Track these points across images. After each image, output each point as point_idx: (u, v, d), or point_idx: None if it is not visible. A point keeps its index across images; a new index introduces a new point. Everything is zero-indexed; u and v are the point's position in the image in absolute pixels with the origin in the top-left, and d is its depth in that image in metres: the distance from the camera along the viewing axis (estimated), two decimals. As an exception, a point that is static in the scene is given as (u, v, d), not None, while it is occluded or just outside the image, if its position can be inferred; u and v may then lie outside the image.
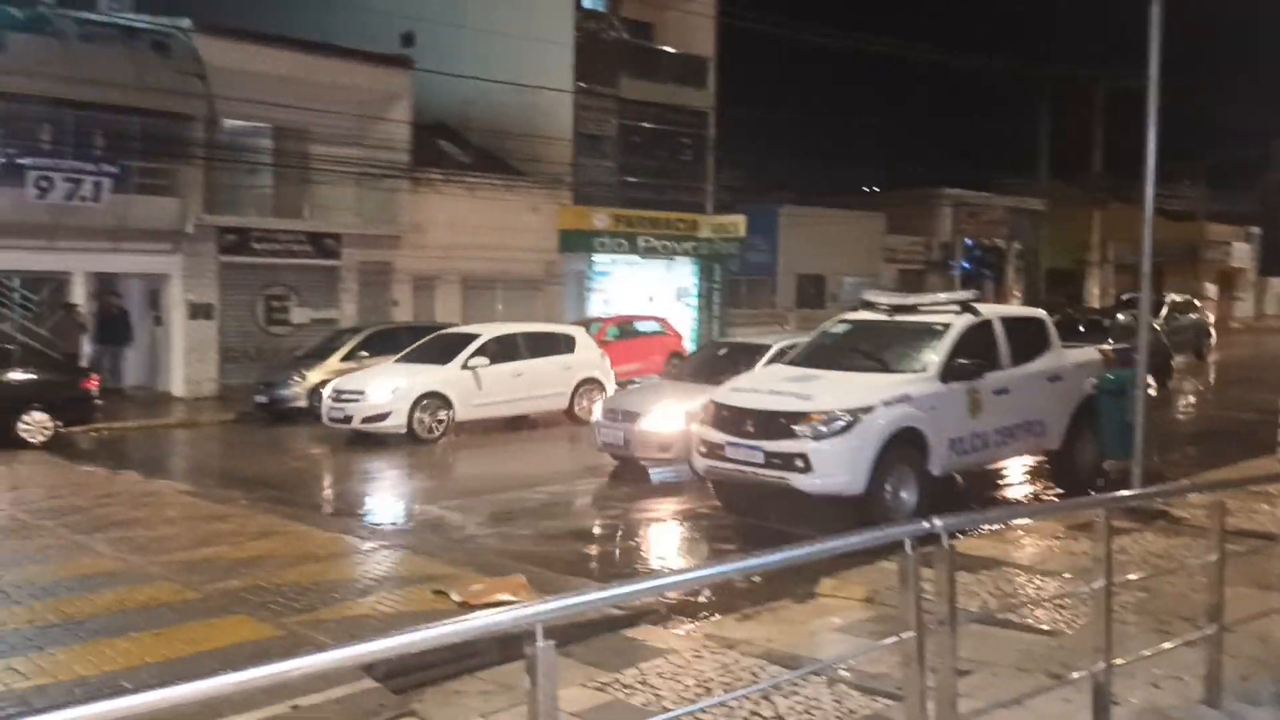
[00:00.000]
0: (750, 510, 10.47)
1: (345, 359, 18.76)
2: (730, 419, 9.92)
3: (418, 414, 15.39)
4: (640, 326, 24.82)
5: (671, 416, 11.97)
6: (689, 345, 26.27)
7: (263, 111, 21.82)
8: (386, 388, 15.56)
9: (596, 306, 28.48)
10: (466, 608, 7.09)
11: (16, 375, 15.04)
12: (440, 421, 15.67)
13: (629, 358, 23.34)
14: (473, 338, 16.74)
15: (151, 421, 18.55)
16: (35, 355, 16.14)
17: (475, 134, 27.20)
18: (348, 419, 15.56)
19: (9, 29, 18.54)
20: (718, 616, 6.92)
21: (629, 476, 12.67)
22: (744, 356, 12.77)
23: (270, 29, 22.95)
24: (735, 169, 30.76)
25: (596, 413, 13.16)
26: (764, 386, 10.20)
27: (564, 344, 17.66)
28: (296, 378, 18.45)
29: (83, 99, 18.86)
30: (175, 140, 20.41)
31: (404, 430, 15.28)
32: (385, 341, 19.79)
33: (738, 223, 30.50)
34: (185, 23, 20.95)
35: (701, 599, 7.39)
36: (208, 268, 21.76)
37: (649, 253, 29.44)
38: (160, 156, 20.42)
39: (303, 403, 18.03)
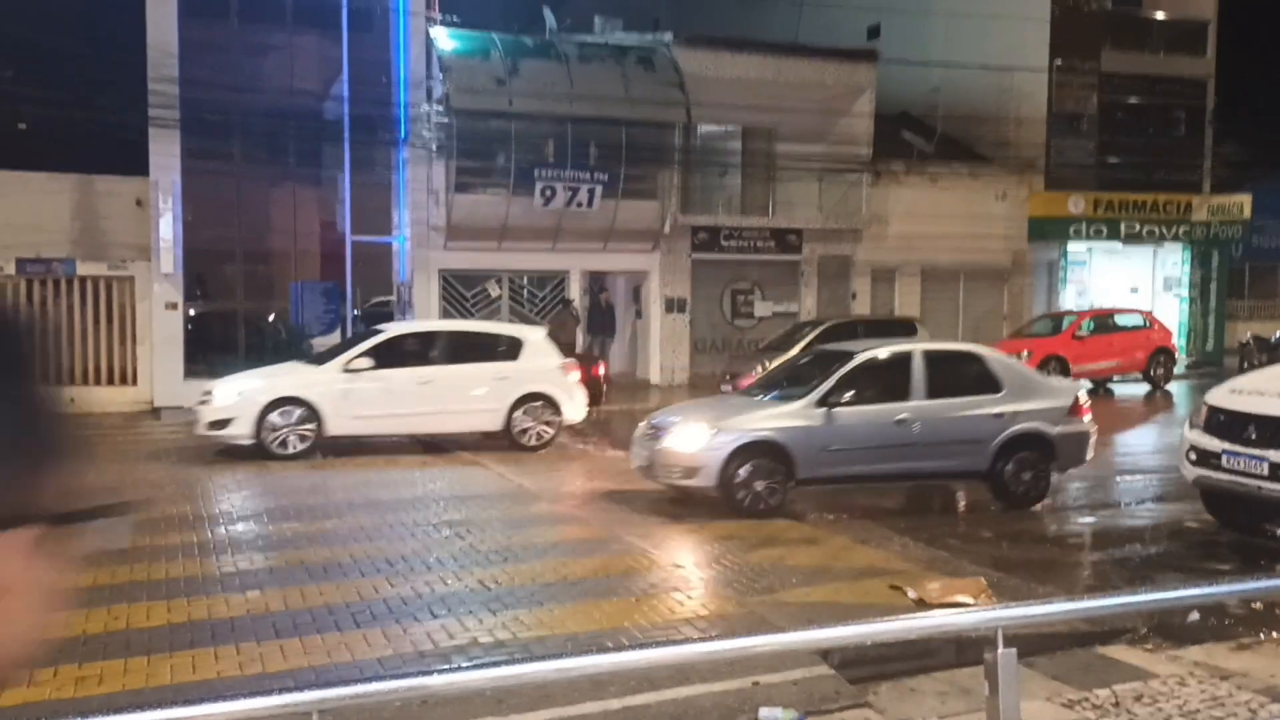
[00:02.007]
0: (1250, 527, 9.29)
1: (804, 350, 19.25)
2: (1228, 424, 8.87)
3: (270, 423, 12.90)
4: (1120, 320, 22.90)
5: (700, 434, 10.10)
6: (1178, 341, 23.78)
7: (734, 115, 22.99)
8: (233, 390, 13.28)
9: (1070, 298, 26.68)
10: (923, 606, 7.02)
11: None
12: (306, 435, 13.07)
13: (1106, 354, 21.67)
14: (376, 334, 14.25)
15: (633, 406, 20.24)
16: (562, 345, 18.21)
17: (940, 121, 26.57)
18: (196, 423, 13.38)
19: (522, 57, 21.13)
20: (1208, 643, 6.24)
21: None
22: (833, 366, 10.71)
23: (742, 35, 24.02)
24: (1239, 143, 27.27)
25: (640, 428, 11.02)
26: (1272, 388, 8.99)
27: (506, 349, 14.34)
28: (759, 369, 19.20)
29: (581, 115, 20.99)
30: (657, 147, 22.09)
31: (249, 441, 12.94)
32: (843, 334, 20.06)
33: (1241, 203, 27.11)
34: (667, 37, 22.62)
35: (1189, 622, 6.69)
36: (681, 265, 23.34)
37: (1132, 239, 27.04)
38: (644, 163, 22.20)
39: (766, 392, 18.75)
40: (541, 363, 14.30)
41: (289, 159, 20.58)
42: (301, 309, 21.22)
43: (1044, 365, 21.24)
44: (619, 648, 5.98)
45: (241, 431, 12.89)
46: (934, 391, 10.55)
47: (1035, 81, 25.86)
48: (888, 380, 10.68)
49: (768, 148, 24.22)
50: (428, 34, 20.81)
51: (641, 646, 2.99)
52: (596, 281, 23.11)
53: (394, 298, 21.99)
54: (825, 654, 5.71)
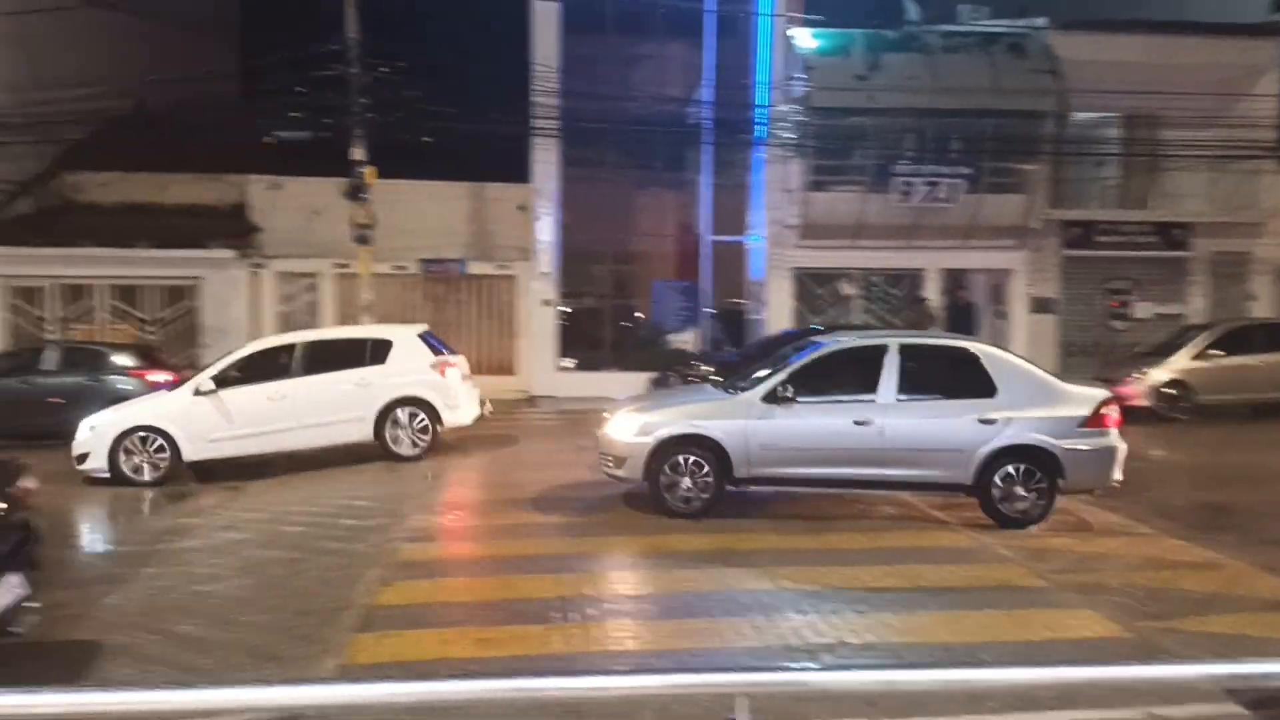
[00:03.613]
0: None
1: (1195, 358, 17.56)
2: None
3: (124, 454, 12.45)
4: None
5: (630, 423, 9.76)
6: None
7: (1112, 101, 21.32)
8: (88, 425, 12.75)
9: None
10: (1353, 648, 6.22)
11: None
12: (159, 463, 12.54)
13: None
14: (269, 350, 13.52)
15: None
16: None
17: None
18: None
19: (883, 51, 20.82)
20: None
21: None
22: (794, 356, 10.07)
23: (1124, 16, 22.26)
24: None
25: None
26: None
27: (372, 353, 13.30)
28: (1137, 375, 17.76)
29: (942, 107, 20.35)
30: (1025, 138, 20.98)
31: (106, 474, 12.40)
32: (1240, 340, 18.08)
33: None
34: (1040, 22, 21.41)
35: None
36: (1049, 262, 22.04)
37: None
38: (1010, 155, 21.17)
39: (1144, 401, 17.32)
40: (410, 365, 13.30)
41: (653, 164, 21.55)
42: (661, 307, 22.19)
43: None
44: (998, 663, 5.76)
45: (99, 465, 12.52)
46: (908, 390, 9.42)
47: None
48: (853, 375, 9.71)
49: (1150, 135, 22.29)
50: (788, 35, 21.02)
51: (1025, 664, 2.85)
52: (954, 280, 22.33)
53: (746, 298, 22.44)
54: (1234, 691, 5.18)
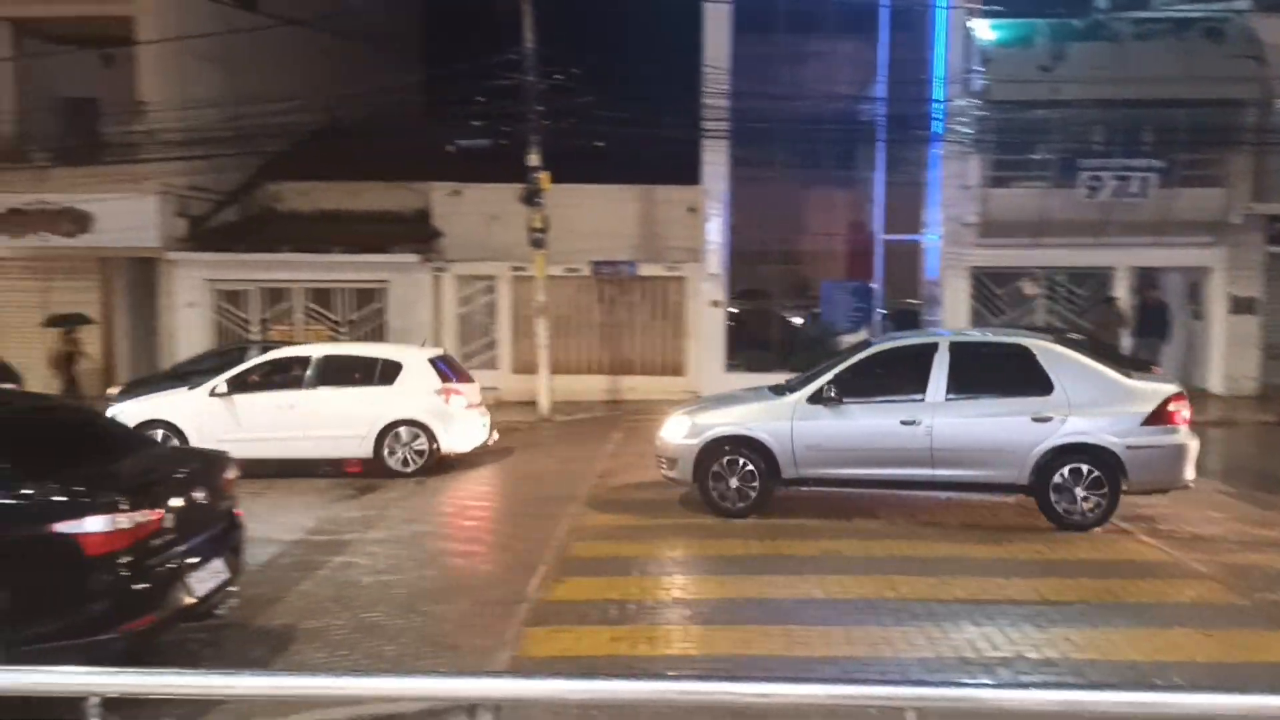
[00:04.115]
0: None
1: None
2: None
3: None
4: None
5: (680, 425, 10.02)
6: None
7: (1326, 86, 19.78)
8: (113, 413, 12.82)
9: None
10: None
11: None
12: None
13: None
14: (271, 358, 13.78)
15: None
16: (1106, 348, 17.06)
17: None
18: None
19: (1068, 40, 19.91)
20: None
21: None
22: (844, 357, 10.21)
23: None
24: None
25: None
26: None
27: (382, 373, 13.36)
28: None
29: (1133, 97, 19.32)
30: (1223, 128, 19.69)
31: None
32: None
33: None
34: (1242, 4, 20.06)
35: None
36: (1252, 259, 20.59)
37: None
38: (1208, 146, 19.91)
39: (1362, 409, 16.00)
40: (419, 386, 13.42)
41: (825, 162, 21.27)
42: (831, 307, 21.88)
43: None
44: (1191, 687, 5.45)
45: None
46: (958, 389, 9.12)
47: None
48: (902, 375, 9.59)
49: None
50: (966, 27, 20.38)
51: (1222, 689, 2.65)
52: (1145, 278, 21.16)
53: (920, 299, 21.88)
54: None
